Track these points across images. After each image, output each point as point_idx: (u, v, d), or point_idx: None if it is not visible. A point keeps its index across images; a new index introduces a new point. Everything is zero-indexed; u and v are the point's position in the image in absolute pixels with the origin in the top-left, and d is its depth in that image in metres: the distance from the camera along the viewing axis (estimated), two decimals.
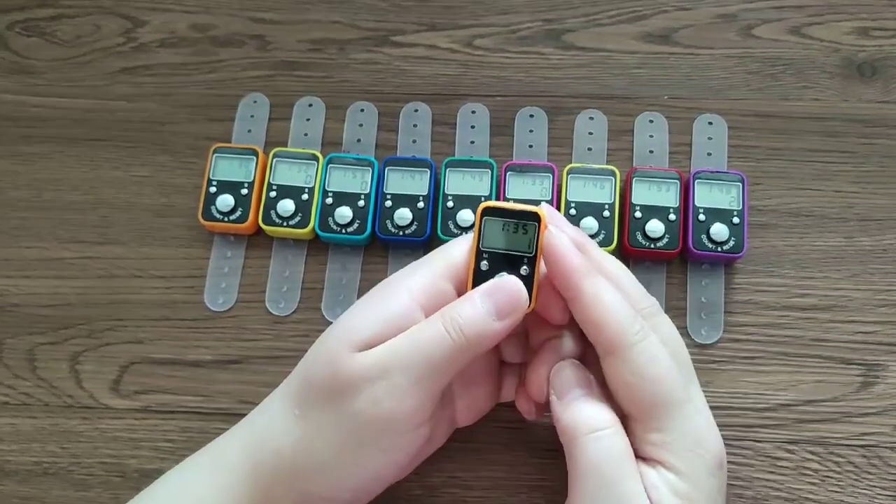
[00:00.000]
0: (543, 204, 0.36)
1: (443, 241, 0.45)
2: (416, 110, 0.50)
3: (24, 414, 0.45)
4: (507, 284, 0.34)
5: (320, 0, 0.54)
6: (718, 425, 0.35)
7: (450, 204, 0.46)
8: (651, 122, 0.49)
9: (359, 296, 0.46)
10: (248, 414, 0.38)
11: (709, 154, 0.48)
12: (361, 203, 0.47)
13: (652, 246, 0.45)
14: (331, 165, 0.48)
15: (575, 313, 0.35)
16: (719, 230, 0.44)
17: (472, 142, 0.50)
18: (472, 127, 0.50)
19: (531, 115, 0.50)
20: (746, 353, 0.45)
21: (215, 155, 0.48)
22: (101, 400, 0.45)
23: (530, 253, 0.35)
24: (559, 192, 0.46)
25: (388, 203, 0.46)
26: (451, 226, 0.46)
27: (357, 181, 0.47)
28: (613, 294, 0.34)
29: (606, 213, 0.45)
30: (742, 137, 0.49)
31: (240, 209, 0.47)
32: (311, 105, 0.51)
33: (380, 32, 0.53)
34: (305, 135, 0.50)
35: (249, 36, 0.53)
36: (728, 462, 0.36)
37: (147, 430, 0.45)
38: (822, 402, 0.43)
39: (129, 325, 0.47)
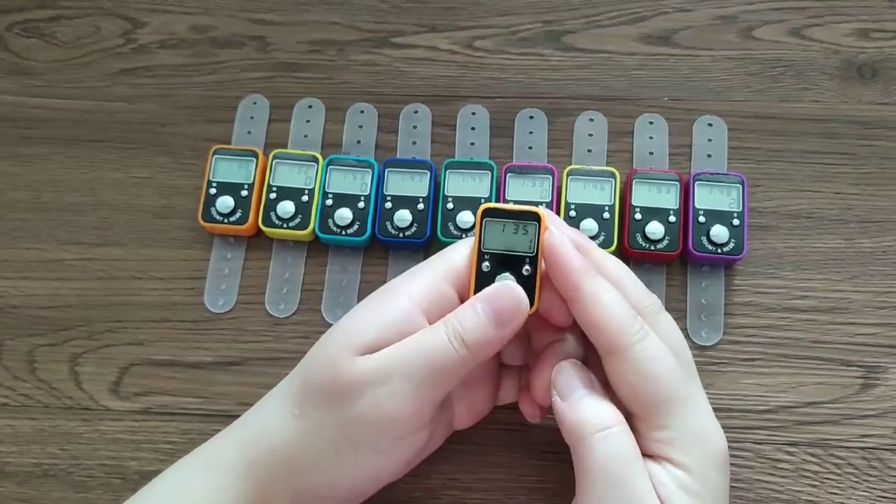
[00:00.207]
0: (541, 208, 0.36)
1: (443, 243, 0.45)
2: (416, 112, 0.50)
3: (24, 415, 0.45)
4: (508, 291, 0.34)
5: (320, 1, 0.54)
6: None
7: (450, 205, 0.46)
8: (651, 123, 0.49)
9: (359, 297, 0.46)
10: (243, 415, 0.38)
11: (709, 156, 0.48)
12: (361, 205, 0.47)
13: (652, 248, 0.45)
14: (331, 167, 0.48)
15: (575, 314, 0.35)
16: (719, 232, 0.44)
17: (472, 143, 0.50)
18: (472, 128, 0.50)
19: (531, 117, 0.50)
20: (746, 355, 0.45)
21: (215, 156, 0.48)
22: (101, 402, 0.45)
23: (531, 253, 0.35)
24: (559, 193, 0.46)
25: (388, 205, 0.46)
26: (451, 227, 0.46)
27: (357, 183, 0.47)
28: (613, 294, 0.34)
29: (606, 215, 0.45)
30: (742, 139, 0.49)
31: (240, 211, 0.47)
32: (310, 106, 0.51)
33: (379, 34, 0.53)
34: (305, 136, 0.50)
35: (249, 37, 0.53)
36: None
37: (147, 431, 0.45)
38: (823, 404, 0.43)
39: (128, 327, 0.47)
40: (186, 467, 0.38)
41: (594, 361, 0.37)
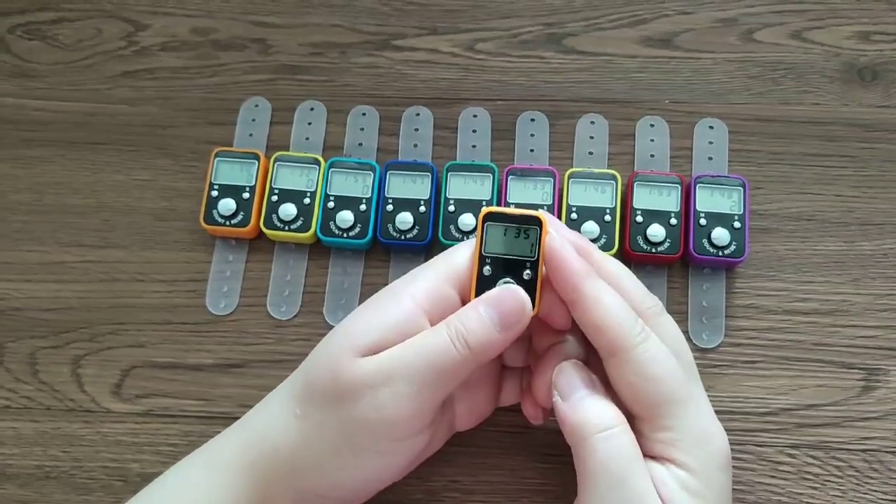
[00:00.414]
0: (542, 211, 0.36)
1: (444, 246, 0.45)
2: (418, 114, 0.51)
3: (26, 418, 0.45)
4: (511, 294, 0.34)
5: (321, 4, 0.54)
6: None
7: (451, 208, 0.46)
8: (652, 126, 0.49)
9: (360, 300, 0.46)
10: (246, 413, 0.38)
11: (710, 158, 0.48)
12: (363, 207, 0.47)
13: (653, 250, 0.45)
14: (332, 169, 0.48)
15: (576, 316, 0.35)
16: (720, 234, 0.44)
17: (474, 146, 0.50)
18: (474, 131, 0.50)
19: (532, 120, 0.50)
20: (747, 358, 0.45)
21: (217, 159, 0.48)
22: (103, 404, 0.45)
23: (532, 257, 0.35)
24: (560, 196, 0.46)
25: (390, 207, 0.47)
26: (453, 230, 0.46)
27: (358, 185, 0.47)
28: (614, 297, 0.34)
29: (608, 218, 0.45)
30: (743, 142, 0.49)
31: (241, 213, 0.47)
32: (312, 109, 0.51)
33: (381, 36, 0.53)
34: (307, 139, 0.50)
35: (251, 40, 0.53)
36: None
37: (149, 433, 0.45)
38: (824, 407, 0.43)
39: (130, 329, 0.47)
40: (188, 466, 0.38)
41: (595, 363, 0.37)
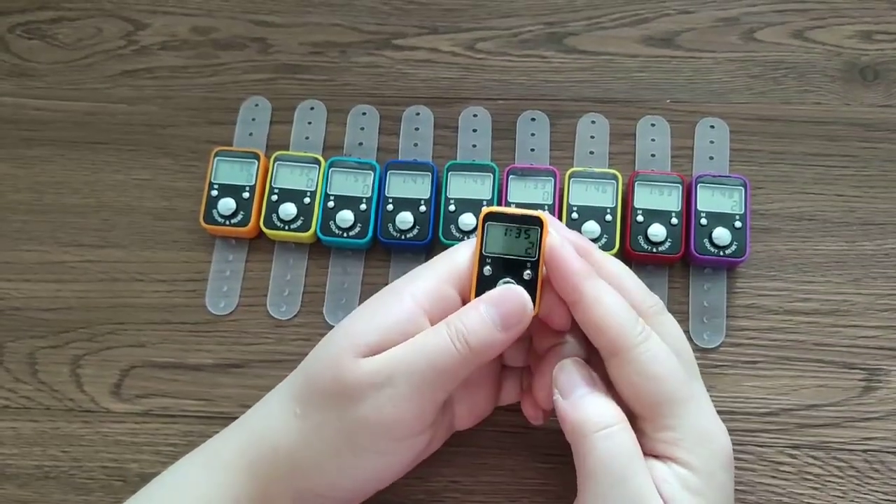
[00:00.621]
0: (552, 232, 0.35)
1: (444, 245, 0.45)
2: (418, 114, 0.50)
3: (25, 417, 0.45)
4: (512, 294, 0.34)
5: (322, 3, 0.54)
6: None
7: (451, 208, 0.46)
8: (653, 125, 0.49)
9: (360, 300, 0.46)
10: (246, 413, 0.38)
11: (711, 158, 0.48)
12: (363, 207, 0.46)
13: (654, 250, 0.45)
14: (332, 169, 0.47)
15: (577, 316, 0.35)
16: (721, 234, 0.44)
17: (474, 145, 0.50)
18: (474, 130, 0.50)
19: (533, 119, 0.50)
20: (748, 358, 0.45)
21: (217, 158, 0.48)
22: (103, 404, 0.45)
23: (533, 257, 0.35)
24: (561, 195, 0.46)
25: (390, 207, 0.46)
26: (453, 229, 0.46)
27: (359, 185, 0.47)
28: (614, 296, 0.34)
29: (608, 217, 0.45)
30: (744, 141, 0.49)
31: (241, 213, 0.47)
32: (312, 108, 0.51)
33: (381, 36, 0.53)
34: (307, 138, 0.50)
35: (251, 39, 0.53)
36: None
37: (148, 433, 0.44)
38: (824, 407, 0.43)
39: (130, 329, 0.47)
40: (188, 465, 0.38)
41: (597, 363, 0.37)
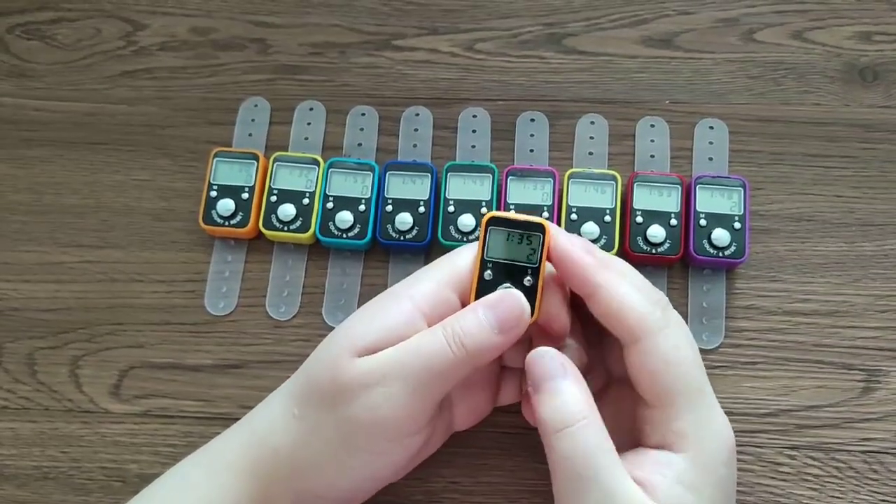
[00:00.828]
0: (553, 233, 0.35)
1: (443, 246, 0.45)
2: (417, 114, 0.50)
3: (24, 418, 0.45)
4: (511, 298, 0.34)
5: (321, 4, 0.54)
6: None
7: (451, 208, 0.46)
8: (652, 126, 0.49)
9: (360, 301, 0.46)
10: (247, 414, 0.38)
11: (710, 159, 0.48)
12: (362, 207, 0.46)
13: (653, 251, 0.45)
14: (331, 170, 0.47)
15: (594, 309, 0.35)
16: (721, 235, 0.44)
17: (473, 146, 0.49)
18: (473, 131, 0.50)
19: (532, 120, 0.50)
20: (748, 359, 0.45)
21: (216, 159, 0.48)
22: (101, 404, 0.45)
23: (534, 264, 0.35)
24: (560, 196, 0.46)
25: (389, 207, 0.46)
26: (452, 230, 0.46)
27: (358, 185, 0.47)
28: (629, 285, 0.34)
29: (608, 218, 0.45)
30: (743, 142, 0.49)
31: (240, 213, 0.47)
32: (311, 109, 0.51)
33: (381, 36, 0.53)
34: (306, 139, 0.50)
35: (250, 39, 0.53)
36: None
37: (147, 434, 0.44)
38: (824, 408, 0.43)
39: (129, 330, 0.47)
40: (189, 466, 0.38)
41: (597, 366, 0.37)
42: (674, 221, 0.45)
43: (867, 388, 0.44)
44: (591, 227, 0.45)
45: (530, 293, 0.35)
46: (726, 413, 0.43)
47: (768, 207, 0.47)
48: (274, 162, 0.48)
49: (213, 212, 0.47)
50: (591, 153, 0.49)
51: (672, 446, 0.33)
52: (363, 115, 0.51)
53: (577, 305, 0.37)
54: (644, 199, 0.46)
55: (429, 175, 0.47)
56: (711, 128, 0.49)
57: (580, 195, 0.46)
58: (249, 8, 0.54)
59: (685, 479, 0.33)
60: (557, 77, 0.51)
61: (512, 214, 0.36)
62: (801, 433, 0.43)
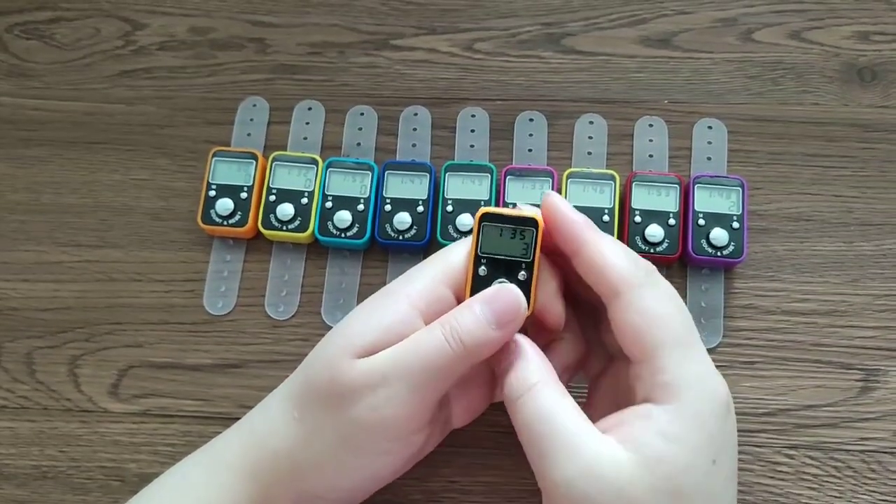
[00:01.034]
0: (550, 192, 0.36)
1: (442, 246, 0.45)
2: (416, 114, 0.50)
3: (23, 417, 0.45)
4: (506, 293, 0.34)
5: (320, 3, 0.54)
6: None
7: (449, 208, 0.46)
8: (651, 126, 0.49)
9: (358, 300, 0.46)
10: (247, 414, 0.38)
11: (708, 158, 0.48)
12: (361, 207, 0.46)
13: (651, 251, 0.45)
14: (330, 169, 0.47)
15: (579, 266, 0.35)
16: (719, 235, 0.44)
17: (472, 146, 0.50)
18: (472, 131, 0.50)
19: (531, 120, 0.50)
20: (746, 358, 0.45)
21: (214, 158, 0.48)
22: (100, 404, 0.45)
23: (528, 258, 0.35)
24: None
25: (388, 207, 0.46)
26: (451, 230, 0.46)
27: (356, 185, 0.47)
28: (615, 244, 0.35)
29: (606, 218, 0.45)
30: (742, 142, 0.49)
31: (239, 213, 0.47)
32: (310, 109, 0.51)
33: (379, 36, 0.53)
34: (305, 138, 0.50)
35: (249, 39, 0.53)
36: None
37: (146, 434, 0.44)
38: (822, 407, 0.43)
39: (127, 329, 0.47)
40: (190, 466, 0.38)
41: (594, 362, 0.37)
42: (672, 221, 0.45)
43: (865, 387, 0.44)
44: None
45: (525, 287, 0.35)
46: None
47: (767, 207, 0.47)
48: (273, 161, 0.48)
49: (212, 211, 0.47)
50: (589, 153, 0.49)
51: (656, 399, 0.33)
52: (362, 114, 0.51)
53: (571, 295, 0.37)
54: (642, 198, 0.46)
55: (427, 175, 0.47)
56: (710, 127, 0.49)
57: (579, 195, 0.46)
58: (248, 8, 0.54)
59: (668, 430, 0.32)
60: (556, 77, 0.51)
61: (505, 209, 0.36)
62: (800, 433, 0.43)
